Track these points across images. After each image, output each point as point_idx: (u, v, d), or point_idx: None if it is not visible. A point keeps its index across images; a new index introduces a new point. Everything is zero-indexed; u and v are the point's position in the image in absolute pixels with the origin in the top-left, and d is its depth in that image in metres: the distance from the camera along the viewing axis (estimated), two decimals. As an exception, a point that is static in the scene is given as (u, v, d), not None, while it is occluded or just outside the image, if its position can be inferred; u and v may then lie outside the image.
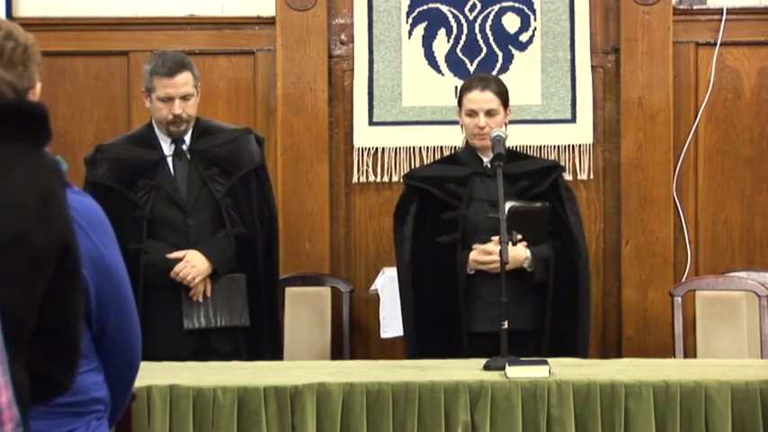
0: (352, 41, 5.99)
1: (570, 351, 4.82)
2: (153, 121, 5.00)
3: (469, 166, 5.01)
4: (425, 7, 5.99)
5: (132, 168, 4.92)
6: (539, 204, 4.79)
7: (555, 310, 4.88)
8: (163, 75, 4.86)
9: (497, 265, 4.55)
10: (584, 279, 5.02)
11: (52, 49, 5.85)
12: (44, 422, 2.63)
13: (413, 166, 5.94)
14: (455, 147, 5.79)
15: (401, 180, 5.90)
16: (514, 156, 5.08)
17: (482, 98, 4.88)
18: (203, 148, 4.98)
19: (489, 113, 4.86)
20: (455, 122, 5.91)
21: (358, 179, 5.99)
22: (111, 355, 2.77)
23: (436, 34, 6.00)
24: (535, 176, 5.02)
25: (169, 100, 4.85)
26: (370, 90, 5.98)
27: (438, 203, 4.98)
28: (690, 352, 5.64)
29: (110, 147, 5.02)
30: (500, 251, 4.57)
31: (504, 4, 5.99)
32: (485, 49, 5.99)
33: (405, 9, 5.99)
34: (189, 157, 4.97)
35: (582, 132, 5.97)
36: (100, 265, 2.56)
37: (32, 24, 5.82)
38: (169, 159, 4.94)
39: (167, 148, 4.97)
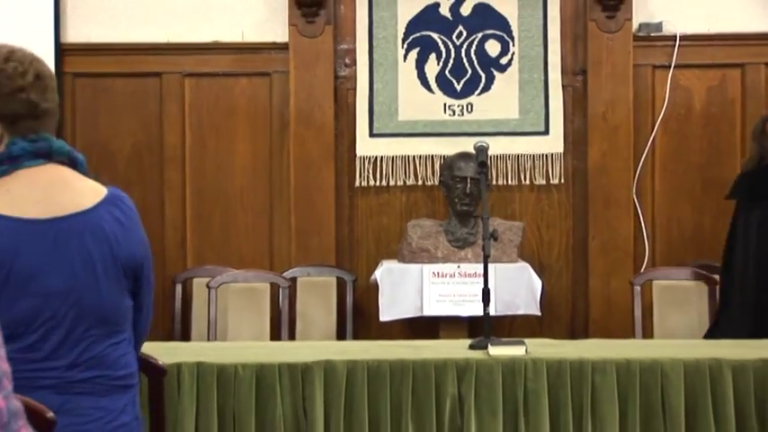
0: (355, 64, 5.98)
1: None
2: None
3: None
4: (418, 34, 5.99)
5: None
6: None
7: None
8: None
9: None
10: None
11: (95, 71, 5.89)
12: (104, 398, 2.61)
13: (408, 173, 5.96)
14: (444, 156, 5.81)
15: (397, 184, 5.95)
16: None
17: None
18: None
19: None
20: (444, 134, 5.94)
21: (360, 184, 5.98)
22: (139, 330, 2.77)
23: (428, 58, 6.00)
24: None
25: None
26: (371, 106, 5.98)
27: None
28: (648, 333, 5.63)
29: None
30: (483, 246, 4.58)
31: (486, 31, 5.99)
32: (470, 71, 5.99)
33: (400, 36, 5.98)
34: None
35: (554, 143, 5.97)
36: None
37: (78, 49, 5.85)
38: None
39: None
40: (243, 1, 5.98)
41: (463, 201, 5.59)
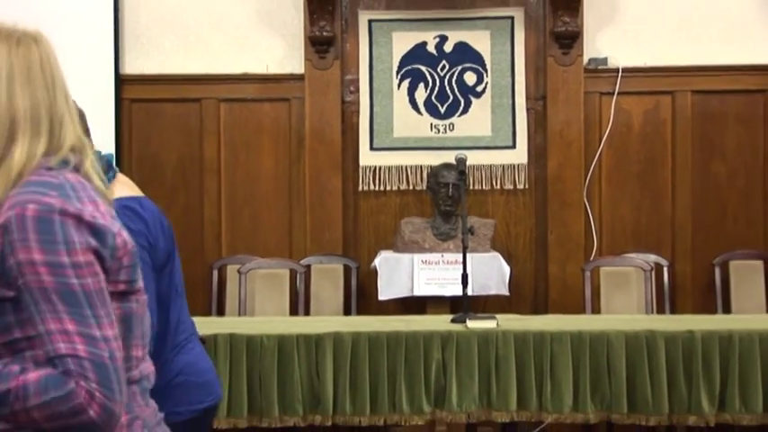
0: (358, 91, 5.97)
1: None
2: None
3: None
4: (410, 67, 5.97)
5: None
6: None
7: None
8: None
9: None
10: None
11: (148, 97, 5.89)
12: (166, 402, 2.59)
13: (401, 180, 5.95)
14: (430, 165, 5.80)
15: (393, 189, 5.94)
16: None
17: None
18: None
19: None
20: (431, 148, 5.92)
21: (362, 188, 5.97)
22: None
23: (417, 86, 5.98)
24: None
25: None
26: (371, 125, 5.97)
27: None
28: (596, 310, 5.63)
29: None
30: (462, 239, 4.58)
31: (465, 65, 5.97)
32: (451, 97, 5.98)
33: (395, 68, 5.97)
34: None
35: (519, 155, 5.95)
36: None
37: (133, 80, 5.85)
38: None
39: None
40: (267, 40, 5.97)
41: (446, 202, 5.59)
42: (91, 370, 1.49)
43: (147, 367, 1.71)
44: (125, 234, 1.65)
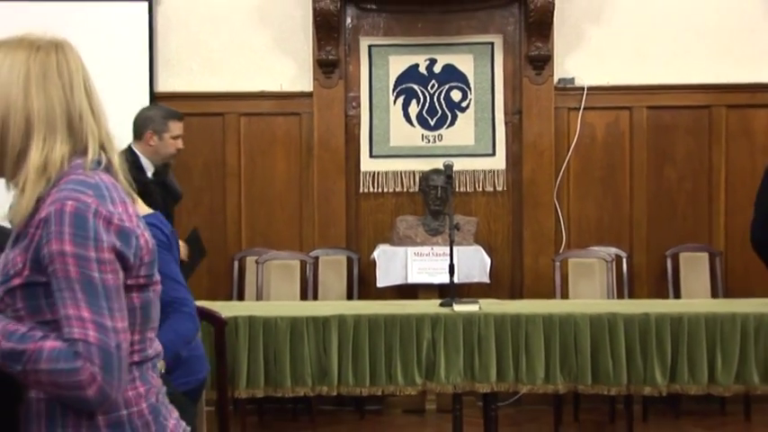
0: (359, 106, 5.96)
1: None
2: (137, 152, 4.22)
3: None
4: (404, 86, 5.97)
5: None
6: None
7: None
8: (177, 119, 4.30)
9: None
10: None
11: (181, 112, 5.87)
12: (178, 374, 2.51)
13: (397, 183, 5.95)
14: (422, 171, 5.80)
15: (389, 191, 5.94)
16: None
17: None
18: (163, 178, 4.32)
19: None
20: (422, 156, 5.92)
21: (363, 190, 5.96)
22: None
23: (410, 102, 5.98)
24: None
25: (179, 138, 4.27)
26: (371, 136, 5.96)
27: None
28: (564, 295, 5.63)
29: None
30: (449, 234, 4.57)
31: (451, 84, 5.97)
32: (440, 112, 5.97)
33: (391, 87, 5.96)
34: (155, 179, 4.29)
35: (498, 162, 5.95)
36: None
37: (166, 96, 5.83)
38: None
39: (150, 174, 4.27)
40: (281, 62, 5.96)
41: (435, 203, 5.59)
42: (97, 355, 1.48)
43: (158, 346, 1.71)
44: (147, 234, 1.64)
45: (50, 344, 1.49)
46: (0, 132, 1.56)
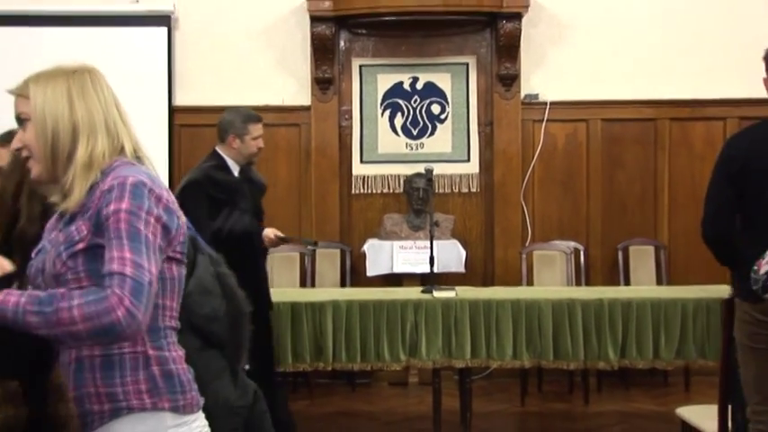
0: (351, 118, 5.96)
1: None
2: (222, 154, 3.98)
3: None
4: (390, 101, 5.97)
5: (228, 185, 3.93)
6: None
7: None
8: (257, 121, 4.05)
9: None
10: None
11: (193, 123, 5.85)
12: None
13: (384, 185, 5.95)
14: (406, 175, 5.80)
15: (377, 192, 5.94)
16: None
17: None
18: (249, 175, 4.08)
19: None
20: (406, 162, 5.90)
21: (354, 192, 5.95)
22: None
23: (396, 115, 5.97)
24: None
25: (259, 138, 4.02)
26: (361, 144, 5.95)
27: None
28: (530, 283, 5.64)
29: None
30: (429, 230, 4.58)
31: (432, 98, 5.97)
32: (422, 123, 5.97)
33: (379, 101, 5.96)
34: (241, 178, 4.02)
35: (473, 167, 5.96)
36: None
37: (183, 110, 5.83)
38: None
39: (236, 173, 4.00)
40: (283, 80, 5.94)
41: (417, 202, 5.60)
42: (129, 285, 1.50)
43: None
44: (183, 218, 1.70)
45: (84, 289, 1.54)
46: (52, 141, 1.63)
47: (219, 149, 3.99)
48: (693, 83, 5.86)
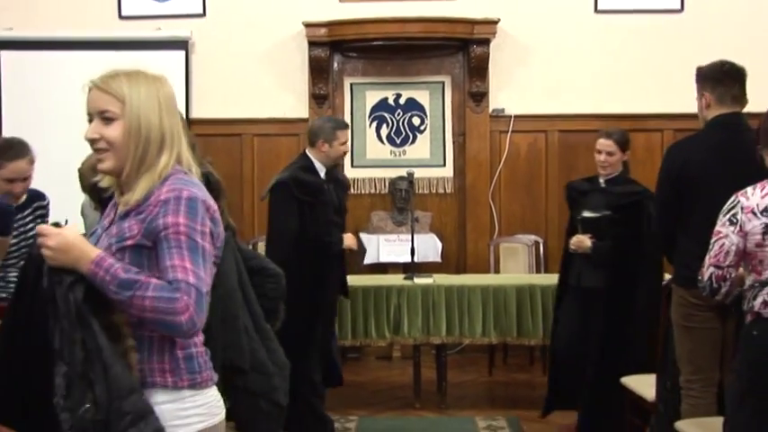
0: (344, 129, 5.94)
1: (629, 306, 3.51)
2: (311, 157, 3.77)
3: (590, 184, 3.83)
4: (377, 114, 5.95)
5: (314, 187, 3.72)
6: (600, 214, 3.66)
7: (611, 280, 3.58)
8: (345, 128, 3.86)
9: (577, 248, 3.66)
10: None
11: (207, 133, 5.77)
12: None
13: (372, 187, 5.93)
14: (390, 177, 5.78)
15: (366, 193, 5.92)
16: (627, 181, 3.75)
17: (604, 143, 3.78)
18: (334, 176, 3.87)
19: (609, 153, 3.74)
20: (390, 167, 5.89)
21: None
22: None
23: (382, 126, 5.96)
24: (627, 196, 3.64)
25: (346, 143, 3.84)
26: (352, 151, 5.90)
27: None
28: (497, 271, 5.65)
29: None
30: (411, 225, 4.55)
31: (413, 112, 5.95)
32: (404, 133, 5.96)
33: (367, 115, 5.94)
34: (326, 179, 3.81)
35: (448, 171, 5.94)
36: None
37: (198, 122, 5.77)
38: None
39: (322, 174, 3.79)
40: (284, 95, 5.90)
41: (400, 201, 5.59)
42: (193, 293, 1.49)
43: None
44: (222, 225, 1.69)
45: (156, 281, 1.50)
46: (144, 146, 1.59)
47: (309, 152, 3.81)
48: (635, 99, 5.88)
